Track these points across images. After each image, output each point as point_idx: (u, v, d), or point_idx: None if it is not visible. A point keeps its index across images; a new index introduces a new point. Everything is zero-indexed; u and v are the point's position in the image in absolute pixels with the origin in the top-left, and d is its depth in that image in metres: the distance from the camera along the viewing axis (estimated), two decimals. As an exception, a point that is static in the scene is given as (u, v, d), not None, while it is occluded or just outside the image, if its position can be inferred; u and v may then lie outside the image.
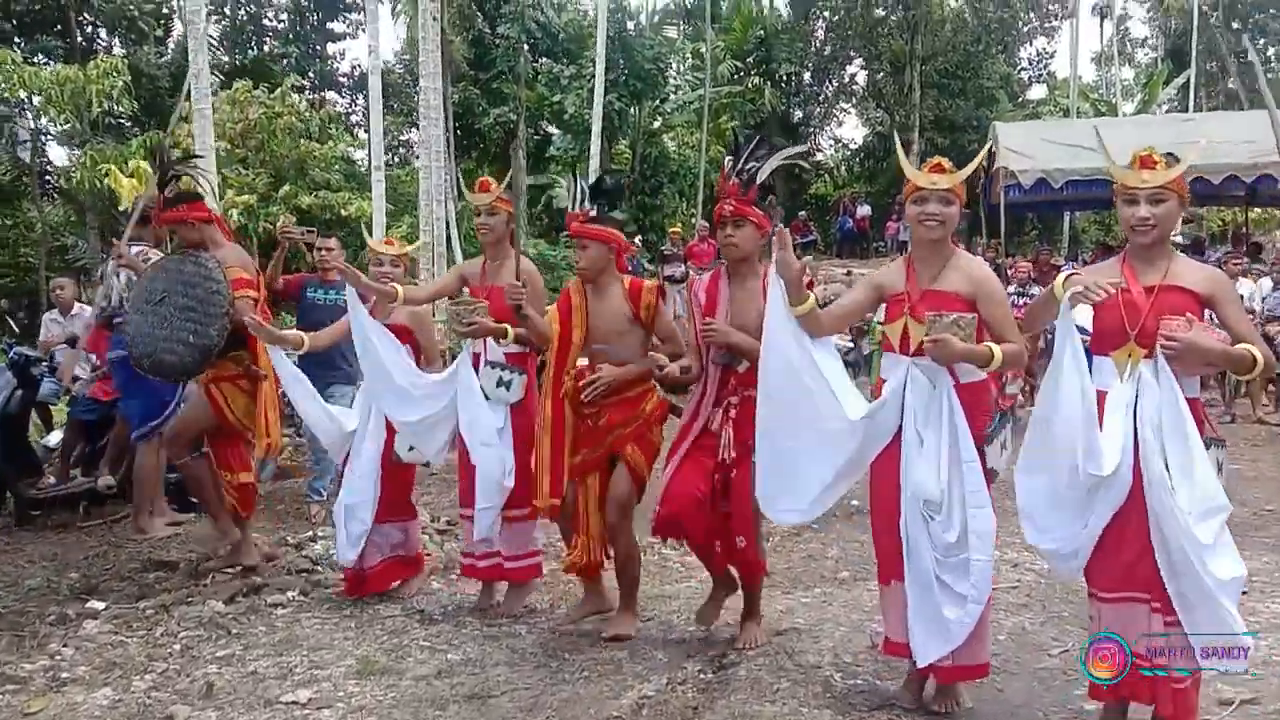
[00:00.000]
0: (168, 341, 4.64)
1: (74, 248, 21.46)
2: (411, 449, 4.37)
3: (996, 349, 3.04)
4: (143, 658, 3.92)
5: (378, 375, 4.31)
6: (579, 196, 3.92)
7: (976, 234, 20.04)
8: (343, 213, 16.80)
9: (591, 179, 4.18)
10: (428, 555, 5.40)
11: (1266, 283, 10.66)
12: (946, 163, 3.18)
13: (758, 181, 3.62)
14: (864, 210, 24.66)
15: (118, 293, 6.05)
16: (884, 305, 3.30)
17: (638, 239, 16.54)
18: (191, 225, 4.79)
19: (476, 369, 4.21)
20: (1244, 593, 4.55)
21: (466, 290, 4.39)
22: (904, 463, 3.13)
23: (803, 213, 25.27)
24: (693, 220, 19.10)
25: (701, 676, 3.54)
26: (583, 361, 4.00)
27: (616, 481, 3.88)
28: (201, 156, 5.16)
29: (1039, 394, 3.00)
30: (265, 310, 4.88)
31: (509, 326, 4.05)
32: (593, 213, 3.92)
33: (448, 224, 17.40)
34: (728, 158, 3.78)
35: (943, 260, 3.18)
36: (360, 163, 21.39)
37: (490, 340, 4.15)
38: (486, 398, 4.15)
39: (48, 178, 22.67)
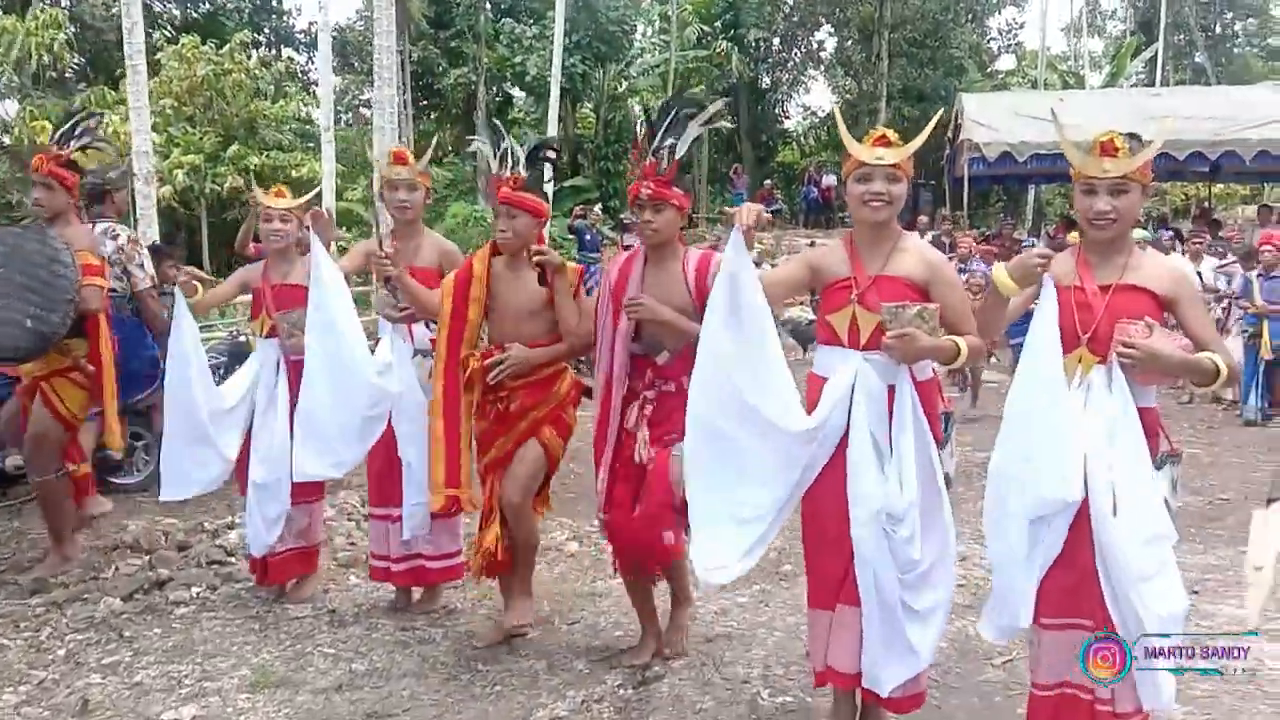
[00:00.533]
0: None
1: (18, 205, 20.77)
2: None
3: (961, 342, 2.73)
4: (22, 665, 3.62)
5: (328, 352, 3.81)
6: (510, 158, 3.55)
7: (941, 206, 19.88)
8: (293, 174, 16.31)
9: (531, 141, 3.77)
10: (351, 545, 5.14)
11: (1211, 261, 10.52)
12: (892, 134, 2.84)
13: (677, 157, 3.28)
14: (829, 180, 24.31)
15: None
16: (822, 292, 2.98)
17: (597, 207, 16.18)
18: (68, 191, 4.41)
19: None
20: (1195, 592, 4.49)
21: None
22: (854, 473, 2.77)
23: (768, 181, 24.99)
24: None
25: (621, 693, 3.30)
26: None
27: (521, 460, 3.54)
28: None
29: (1008, 411, 2.61)
30: (106, 300, 4.50)
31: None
32: (526, 179, 3.55)
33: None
34: (641, 125, 3.43)
35: (890, 242, 2.86)
36: (318, 122, 20.83)
37: (418, 327, 3.84)
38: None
39: (-9, 132, 21.87)
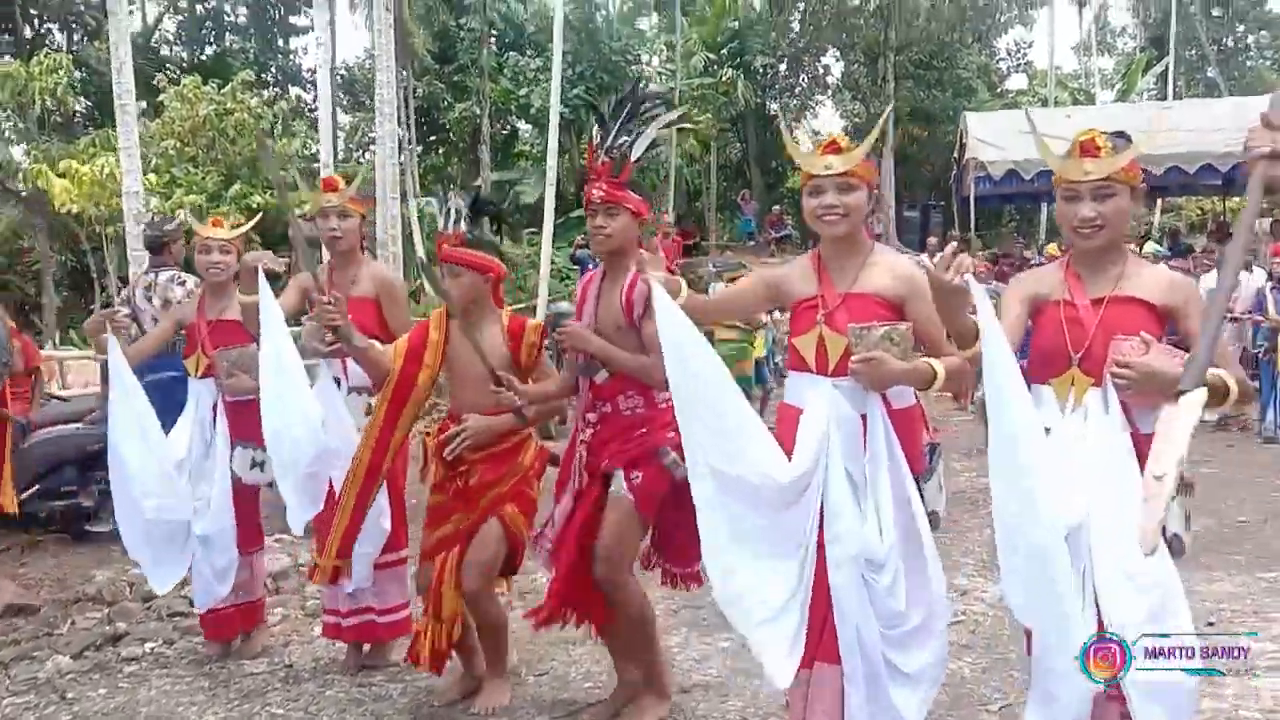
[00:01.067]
0: None
1: (31, 250, 20.85)
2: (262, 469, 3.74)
3: (938, 365, 2.45)
4: (-48, 733, 3.43)
5: (283, 393, 3.52)
6: (452, 215, 3.38)
7: (952, 228, 19.63)
8: (297, 211, 16.25)
9: (471, 195, 3.55)
10: (320, 594, 4.92)
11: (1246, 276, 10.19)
12: (843, 139, 2.60)
13: (632, 159, 3.09)
14: (838, 204, 24.15)
15: (150, 317, 5.63)
16: (789, 313, 2.74)
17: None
18: None
19: None
20: (1210, 623, 4.20)
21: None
22: (831, 513, 2.51)
23: (778, 206, 24.78)
24: (661, 217, 18.62)
25: (577, 755, 3.07)
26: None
27: (481, 543, 3.29)
28: None
29: (990, 459, 2.26)
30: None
31: (377, 344, 3.50)
32: (467, 235, 3.35)
33: (405, 221, 16.91)
34: (595, 129, 3.20)
35: (860, 257, 2.62)
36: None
37: (353, 363, 3.62)
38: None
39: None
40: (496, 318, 3.38)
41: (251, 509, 3.98)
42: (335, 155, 18.94)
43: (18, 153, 18.71)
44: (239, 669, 3.91)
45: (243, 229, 4.01)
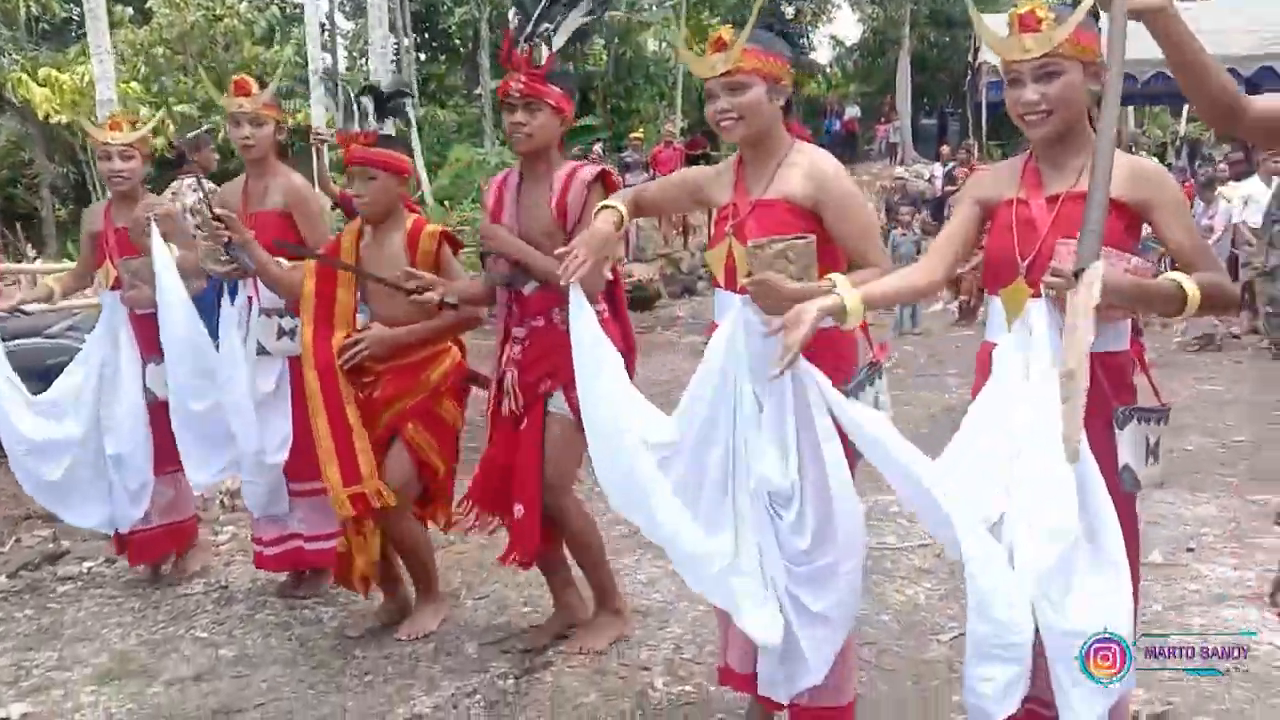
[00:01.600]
0: None
1: (30, 163, 20.64)
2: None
3: (845, 286, 2.09)
4: None
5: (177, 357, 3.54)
6: (358, 112, 3.13)
7: (967, 137, 19.03)
8: (290, 121, 15.89)
9: (379, 89, 3.28)
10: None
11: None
12: (729, 34, 2.32)
13: (554, 49, 2.83)
14: (852, 112, 23.51)
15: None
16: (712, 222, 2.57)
17: (598, 147, 15.56)
18: None
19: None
20: (1190, 549, 4.01)
21: None
22: (741, 436, 2.32)
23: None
24: (665, 125, 18.09)
25: (498, 684, 2.92)
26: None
27: (390, 467, 3.13)
28: None
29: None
30: None
31: (283, 260, 3.29)
32: (383, 133, 3.13)
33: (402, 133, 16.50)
34: (513, 15, 2.91)
35: (775, 158, 2.35)
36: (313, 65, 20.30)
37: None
38: (265, 352, 3.41)
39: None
40: (402, 224, 3.16)
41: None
42: (336, 63, 18.46)
43: (8, 62, 18.35)
44: (170, 591, 3.81)
45: (143, 131, 3.76)
